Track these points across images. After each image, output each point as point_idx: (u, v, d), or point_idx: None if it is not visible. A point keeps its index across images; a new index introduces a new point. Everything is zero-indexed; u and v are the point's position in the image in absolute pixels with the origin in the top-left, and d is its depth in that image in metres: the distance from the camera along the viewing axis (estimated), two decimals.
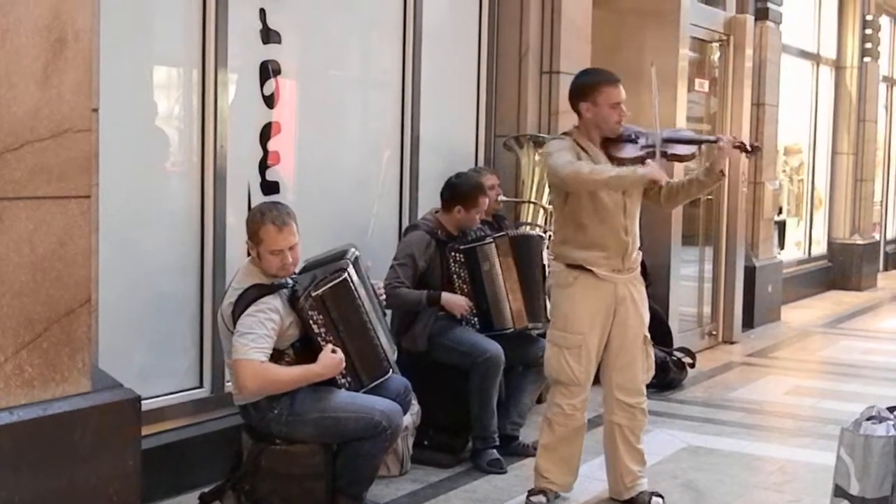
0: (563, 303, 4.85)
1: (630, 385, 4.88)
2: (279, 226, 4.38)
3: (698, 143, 4.92)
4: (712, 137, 4.97)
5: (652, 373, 4.98)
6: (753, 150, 4.89)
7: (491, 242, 5.68)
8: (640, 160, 4.74)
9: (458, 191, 5.69)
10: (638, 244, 4.87)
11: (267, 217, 4.40)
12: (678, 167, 6.95)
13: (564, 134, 4.91)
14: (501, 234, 5.79)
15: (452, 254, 5.64)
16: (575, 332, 4.79)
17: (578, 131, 4.84)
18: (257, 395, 4.37)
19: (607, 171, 4.60)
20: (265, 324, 4.27)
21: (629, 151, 4.78)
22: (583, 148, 4.76)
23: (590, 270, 4.76)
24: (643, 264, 4.99)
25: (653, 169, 4.57)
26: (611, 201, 4.73)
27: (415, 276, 5.56)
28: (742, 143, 4.83)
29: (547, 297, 5.68)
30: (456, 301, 5.57)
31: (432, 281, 5.61)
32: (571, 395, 4.85)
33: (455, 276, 5.64)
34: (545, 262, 5.78)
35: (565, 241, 4.85)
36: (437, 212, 5.77)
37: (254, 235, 4.42)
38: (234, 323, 4.31)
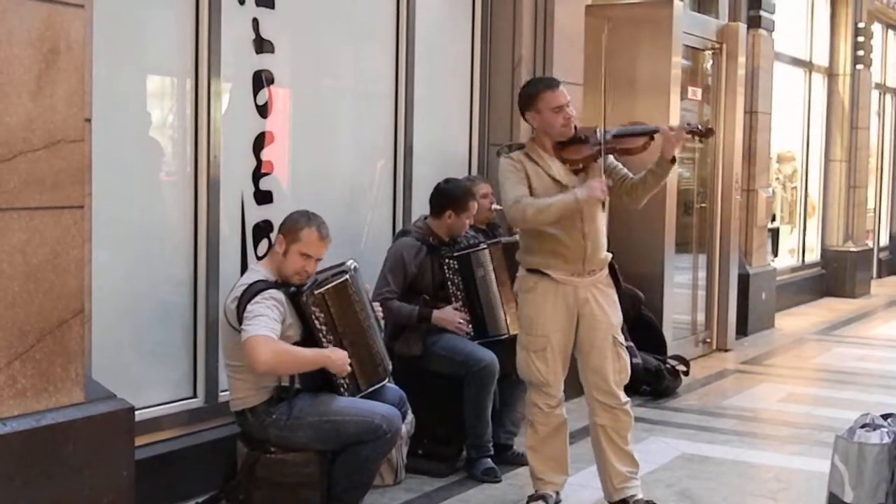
0: (526, 307, 4.94)
1: (604, 385, 4.89)
2: (323, 235, 4.60)
3: (645, 133, 4.91)
4: (655, 126, 4.96)
5: (626, 374, 4.96)
6: (707, 133, 4.91)
7: (485, 248, 5.69)
8: (592, 158, 4.82)
9: (449, 195, 5.70)
10: (602, 246, 4.89)
11: (314, 222, 4.61)
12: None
13: (518, 146, 4.97)
14: (495, 240, 5.81)
15: (446, 261, 5.64)
16: (538, 335, 4.87)
17: (533, 142, 4.94)
18: (271, 375, 4.46)
19: (549, 206, 4.67)
20: (272, 309, 4.36)
21: (581, 152, 4.83)
22: (533, 160, 4.83)
23: (548, 275, 4.82)
24: (613, 267, 4.98)
25: (591, 189, 4.66)
26: None
27: (405, 283, 5.57)
28: (696, 127, 4.89)
29: None
30: (447, 318, 5.57)
31: (424, 287, 5.62)
32: (546, 395, 4.93)
33: (449, 283, 5.65)
34: None
35: (527, 248, 4.95)
36: (426, 218, 5.77)
37: (293, 233, 4.56)
38: (239, 317, 4.36)
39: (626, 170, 4.99)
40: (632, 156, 4.94)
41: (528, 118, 4.94)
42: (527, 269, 4.92)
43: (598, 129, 4.83)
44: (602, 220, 4.90)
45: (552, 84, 4.91)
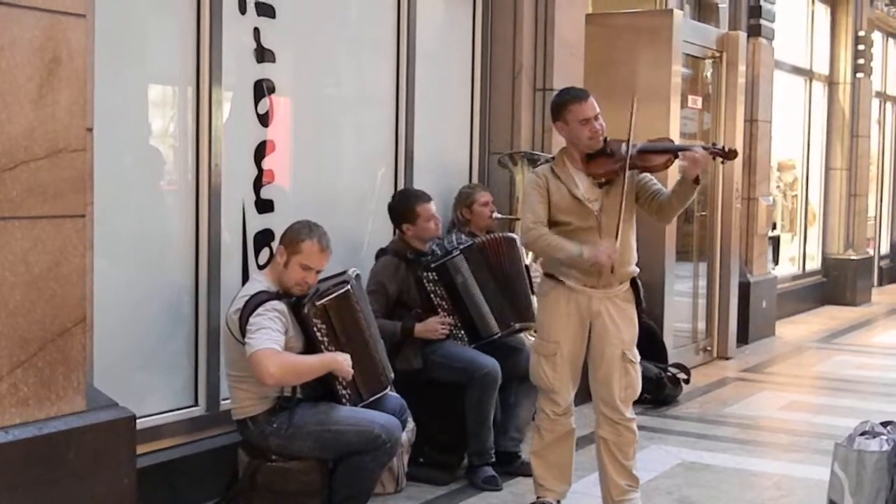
0: (541, 311, 4.97)
1: (609, 400, 4.87)
2: (324, 247, 4.58)
3: (672, 151, 4.92)
4: (688, 145, 4.98)
5: (633, 391, 4.90)
6: (729, 155, 4.89)
7: (459, 254, 5.68)
8: (614, 174, 4.79)
9: (395, 211, 5.77)
10: (624, 262, 4.82)
11: (315, 233, 4.59)
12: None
13: (551, 158, 5.00)
14: (468, 243, 5.79)
15: (425, 273, 5.64)
16: (550, 341, 4.87)
17: (562, 153, 4.92)
18: (279, 385, 4.44)
19: (559, 248, 4.71)
20: (275, 321, 4.36)
21: (605, 165, 4.81)
22: (557, 175, 4.81)
23: (563, 282, 4.82)
24: (636, 286, 4.94)
25: (596, 254, 4.64)
26: (583, 223, 4.77)
27: (388, 303, 5.57)
28: (719, 149, 4.87)
29: None
30: (429, 328, 5.56)
31: (410, 301, 5.63)
32: (552, 402, 4.92)
33: (432, 295, 5.65)
34: (526, 262, 5.83)
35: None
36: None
37: (294, 244, 4.56)
38: (241, 328, 4.37)
39: (659, 185, 4.94)
40: (653, 173, 4.93)
41: (557, 128, 4.91)
42: (545, 274, 4.93)
43: (623, 144, 4.79)
44: (629, 235, 4.86)
45: (581, 95, 4.84)
